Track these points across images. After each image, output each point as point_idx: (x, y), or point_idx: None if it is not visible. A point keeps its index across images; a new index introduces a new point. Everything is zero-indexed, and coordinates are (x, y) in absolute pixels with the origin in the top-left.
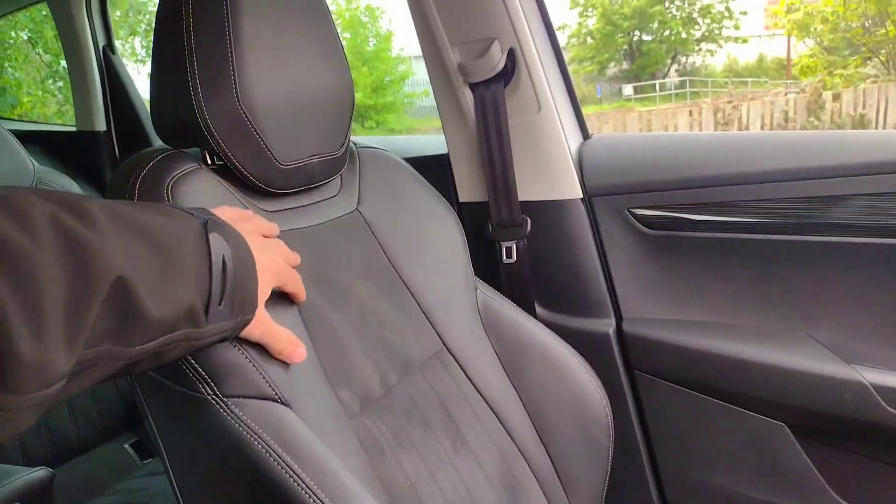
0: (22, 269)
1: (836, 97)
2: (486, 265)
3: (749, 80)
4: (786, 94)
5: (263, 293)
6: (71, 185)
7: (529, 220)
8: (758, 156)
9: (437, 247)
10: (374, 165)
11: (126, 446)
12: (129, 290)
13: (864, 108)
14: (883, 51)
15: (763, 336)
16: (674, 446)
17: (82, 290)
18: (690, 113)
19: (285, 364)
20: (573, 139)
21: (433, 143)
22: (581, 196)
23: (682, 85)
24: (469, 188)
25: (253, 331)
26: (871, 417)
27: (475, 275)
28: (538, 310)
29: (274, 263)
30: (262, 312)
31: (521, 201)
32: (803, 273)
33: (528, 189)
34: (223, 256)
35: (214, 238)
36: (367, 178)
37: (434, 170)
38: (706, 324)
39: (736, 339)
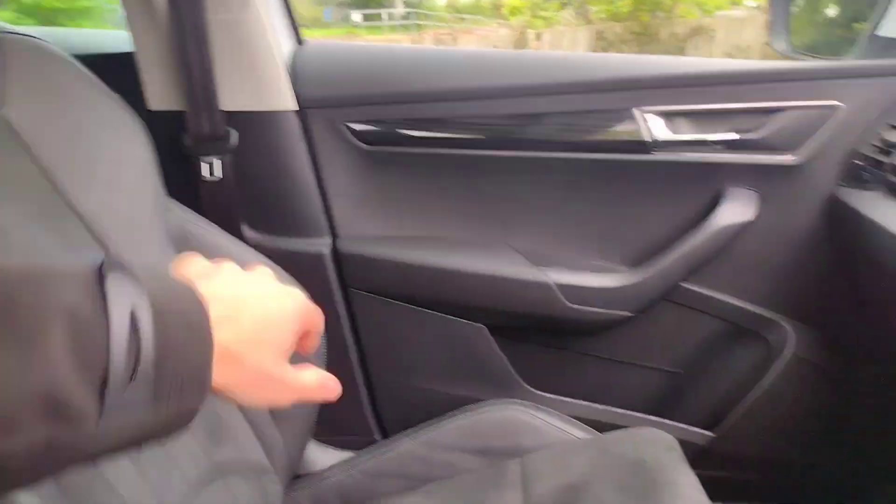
0: None
1: (538, 36)
2: (183, 183)
3: (467, 16)
4: (497, 31)
5: (285, 350)
6: None
7: (235, 133)
8: (467, 73)
9: (115, 162)
10: (27, 58)
11: None
12: None
13: (561, 47)
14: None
15: (468, 246)
16: (386, 357)
17: None
18: (413, 43)
19: None
20: (285, 44)
21: (114, 38)
22: (294, 108)
23: (407, 16)
24: (161, 94)
25: (279, 398)
26: (554, 313)
27: (168, 195)
28: (246, 232)
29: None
30: (286, 372)
31: (224, 111)
32: (504, 186)
33: (233, 98)
34: (132, 311)
35: (115, 284)
36: (15, 73)
37: (115, 71)
38: (418, 238)
39: (444, 250)
